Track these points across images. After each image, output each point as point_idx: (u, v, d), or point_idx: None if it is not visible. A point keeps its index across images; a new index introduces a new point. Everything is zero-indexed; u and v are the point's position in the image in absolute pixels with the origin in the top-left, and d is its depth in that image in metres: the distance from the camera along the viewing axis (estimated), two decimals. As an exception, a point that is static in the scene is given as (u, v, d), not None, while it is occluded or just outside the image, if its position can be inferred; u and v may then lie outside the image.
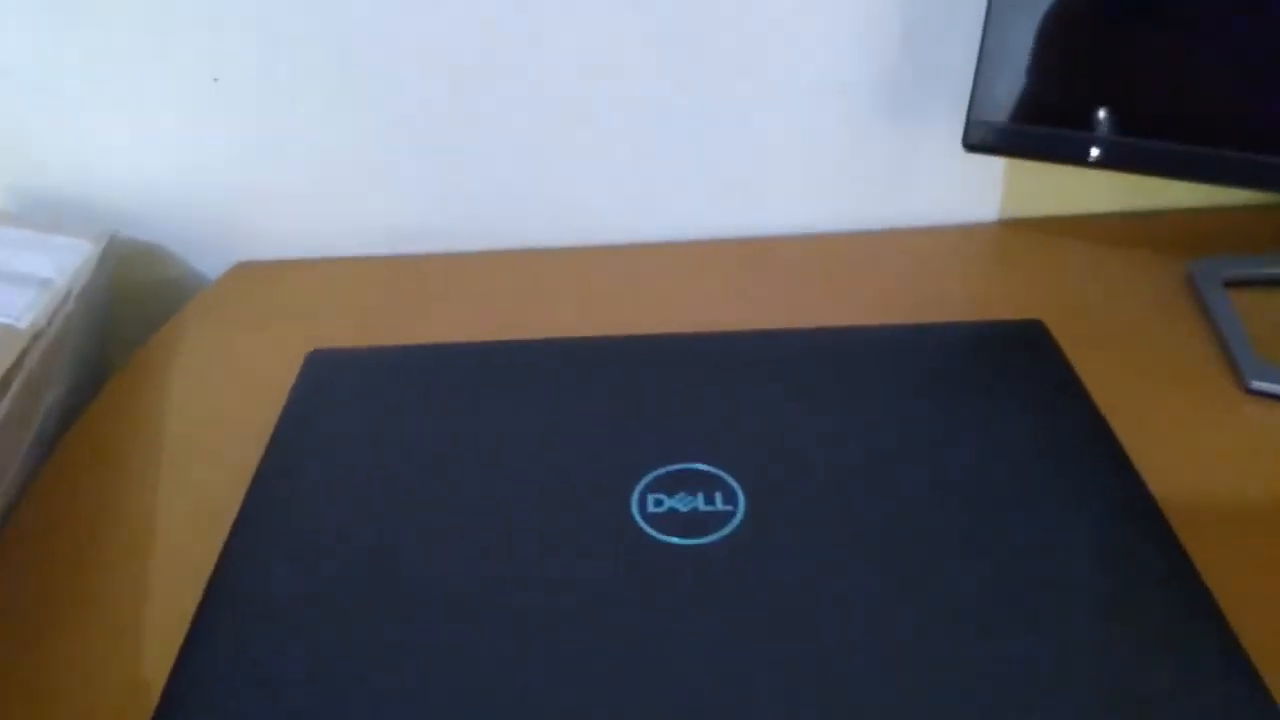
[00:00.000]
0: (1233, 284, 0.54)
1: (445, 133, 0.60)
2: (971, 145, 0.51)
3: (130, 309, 0.64)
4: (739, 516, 0.38)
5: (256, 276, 0.62)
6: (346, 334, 0.56)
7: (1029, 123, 0.50)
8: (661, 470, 0.41)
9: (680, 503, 0.39)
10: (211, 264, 0.64)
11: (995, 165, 0.61)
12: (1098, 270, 0.58)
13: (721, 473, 0.40)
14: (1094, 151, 0.49)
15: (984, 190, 0.62)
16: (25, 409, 0.49)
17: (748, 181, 0.62)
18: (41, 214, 0.61)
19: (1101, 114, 0.48)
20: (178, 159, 0.60)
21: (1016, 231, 0.62)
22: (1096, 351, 0.50)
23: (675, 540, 0.38)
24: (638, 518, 0.39)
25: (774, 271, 0.59)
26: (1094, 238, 0.61)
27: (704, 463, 0.41)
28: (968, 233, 0.62)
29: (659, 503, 0.39)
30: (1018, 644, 0.33)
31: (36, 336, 0.50)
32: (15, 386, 0.48)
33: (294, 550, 0.38)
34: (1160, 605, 0.35)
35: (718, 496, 0.39)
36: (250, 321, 0.58)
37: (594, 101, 0.59)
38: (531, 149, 0.60)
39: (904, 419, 0.43)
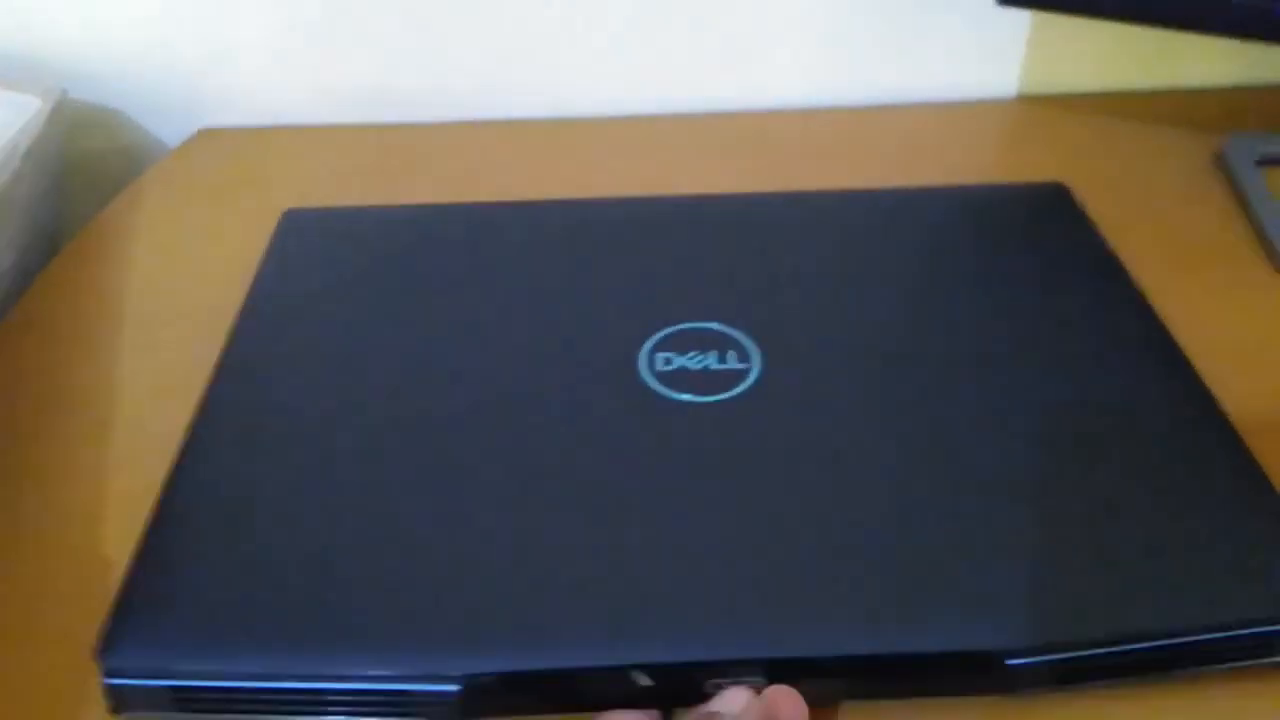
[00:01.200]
0: (1267, 163, 0.51)
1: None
2: (1006, -1, 0.46)
3: (83, 179, 0.59)
4: (754, 374, 0.35)
5: (220, 144, 0.58)
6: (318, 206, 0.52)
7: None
8: (670, 329, 0.37)
9: (691, 361, 0.36)
10: (171, 131, 0.59)
11: (1017, 35, 0.57)
12: (1123, 148, 0.55)
13: (734, 332, 0.37)
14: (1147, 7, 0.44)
15: (1002, 63, 0.58)
16: (-34, 270, 0.44)
17: (747, 50, 0.58)
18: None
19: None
20: (134, 13, 0.55)
21: (1037, 107, 0.59)
22: (1121, 232, 0.47)
23: (686, 397, 0.34)
24: (645, 375, 0.35)
25: (776, 147, 0.56)
26: (1119, 114, 0.57)
27: (716, 321, 0.38)
28: (984, 109, 0.59)
29: (668, 361, 0.36)
30: (1048, 501, 0.31)
31: (-22, 192, 0.45)
32: (-46, 243, 0.43)
33: (275, 418, 0.35)
34: (1199, 462, 0.33)
35: (730, 355, 0.36)
36: (213, 191, 0.54)
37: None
38: (514, 8, 0.56)
39: (923, 278, 0.40)
